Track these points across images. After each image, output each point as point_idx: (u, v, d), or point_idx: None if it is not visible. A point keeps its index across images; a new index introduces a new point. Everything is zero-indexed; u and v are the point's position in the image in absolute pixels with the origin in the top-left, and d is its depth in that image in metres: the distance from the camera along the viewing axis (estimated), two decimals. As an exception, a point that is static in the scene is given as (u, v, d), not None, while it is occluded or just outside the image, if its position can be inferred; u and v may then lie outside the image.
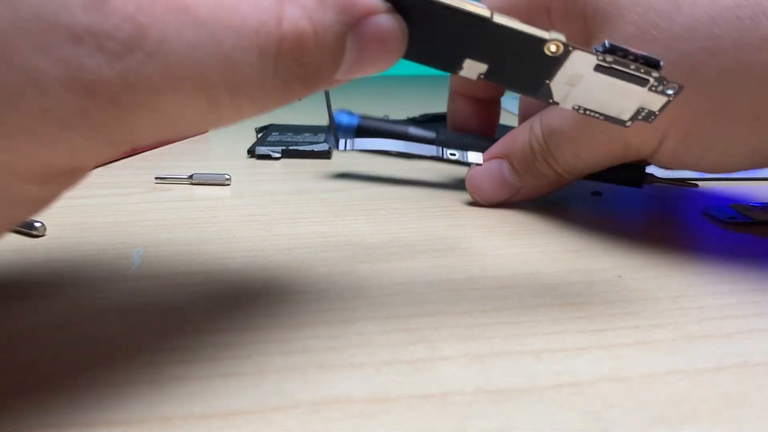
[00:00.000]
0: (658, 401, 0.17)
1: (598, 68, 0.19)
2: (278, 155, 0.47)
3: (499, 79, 0.20)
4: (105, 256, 0.27)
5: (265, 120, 0.61)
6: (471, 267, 0.26)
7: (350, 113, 0.41)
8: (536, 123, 0.32)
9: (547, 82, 0.20)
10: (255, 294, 0.23)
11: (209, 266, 0.26)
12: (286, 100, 0.16)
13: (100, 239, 0.29)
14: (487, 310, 0.22)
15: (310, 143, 0.49)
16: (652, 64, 0.19)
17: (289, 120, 0.60)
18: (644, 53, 0.19)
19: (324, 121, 0.59)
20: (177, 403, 0.17)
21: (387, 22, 0.17)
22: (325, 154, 0.47)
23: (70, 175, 0.15)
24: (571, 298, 0.24)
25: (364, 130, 0.40)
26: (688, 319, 0.22)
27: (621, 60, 0.19)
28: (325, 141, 0.50)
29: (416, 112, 0.70)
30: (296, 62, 0.16)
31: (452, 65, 0.20)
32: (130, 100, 0.14)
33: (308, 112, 0.68)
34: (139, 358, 0.19)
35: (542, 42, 0.18)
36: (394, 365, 0.19)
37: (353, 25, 0.16)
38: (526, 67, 0.19)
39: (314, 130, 0.54)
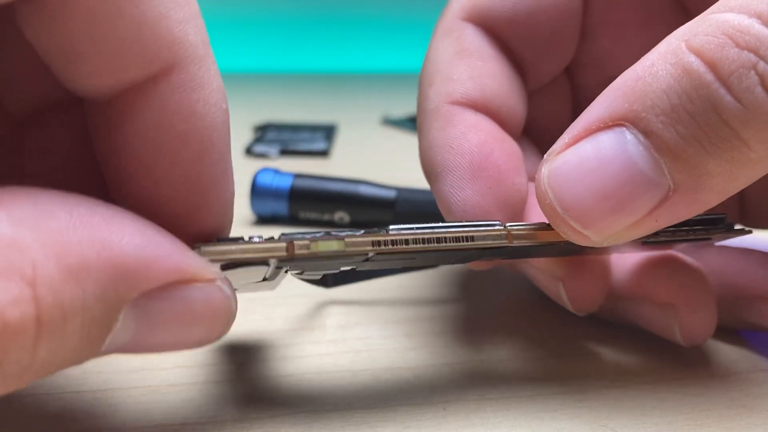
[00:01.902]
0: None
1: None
2: (276, 154, 0.46)
3: None
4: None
5: (263, 118, 0.60)
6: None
7: (277, 172, 0.32)
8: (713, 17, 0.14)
9: None
10: (251, 298, 0.23)
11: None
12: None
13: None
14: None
15: (309, 142, 0.48)
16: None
17: (289, 118, 0.60)
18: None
19: (324, 119, 0.59)
20: (172, 410, 0.17)
21: (198, 295, 0.13)
22: (323, 153, 0.47)
23: None
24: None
25: (300, 193, 0.31)
26: None
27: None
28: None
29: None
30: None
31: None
32: None
33: (308, 110, 0.67)
34: (132, 363, 0.18)
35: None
36: (394, 371, 0.19)
37: (136, 298, 0.12)
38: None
39: (313, 128, 0.54)
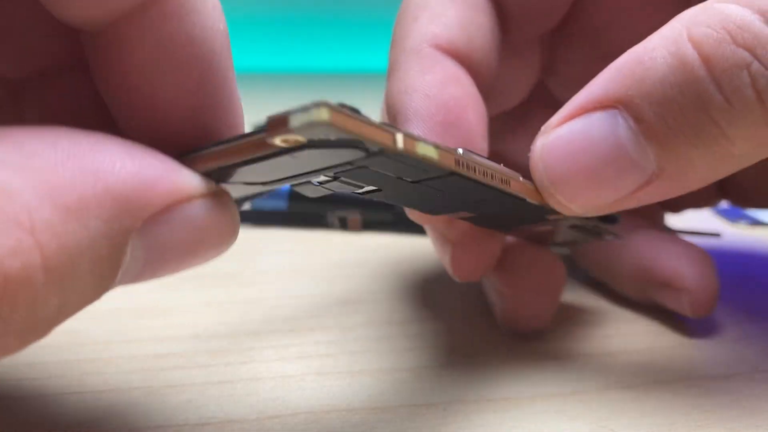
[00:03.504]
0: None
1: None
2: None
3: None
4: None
5: (263, 118, 0.60)
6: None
7: None
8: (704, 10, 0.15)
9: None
10: (250, 298, 0.23)
11: (203, 267, 0.25)
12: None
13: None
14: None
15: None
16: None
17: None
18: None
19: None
20: (171, 412, 0.16)
21: (200, 212, 0.12)
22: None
23: None
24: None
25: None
26: None
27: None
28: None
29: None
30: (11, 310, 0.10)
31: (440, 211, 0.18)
32: None
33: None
34: (132, 364, 0.18)
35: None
36: (395, 373, 0.18)
37: (140, 227, 0.12)
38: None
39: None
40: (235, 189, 0.14)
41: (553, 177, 0.16)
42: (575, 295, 0.24)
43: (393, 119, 0.18)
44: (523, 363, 0.19)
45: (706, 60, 0.14)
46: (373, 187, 0.15)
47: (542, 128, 0.16)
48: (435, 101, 0.17)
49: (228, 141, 0.12)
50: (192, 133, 0.14)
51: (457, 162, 0.14)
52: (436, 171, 0.14)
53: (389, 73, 0.19)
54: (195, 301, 0.23)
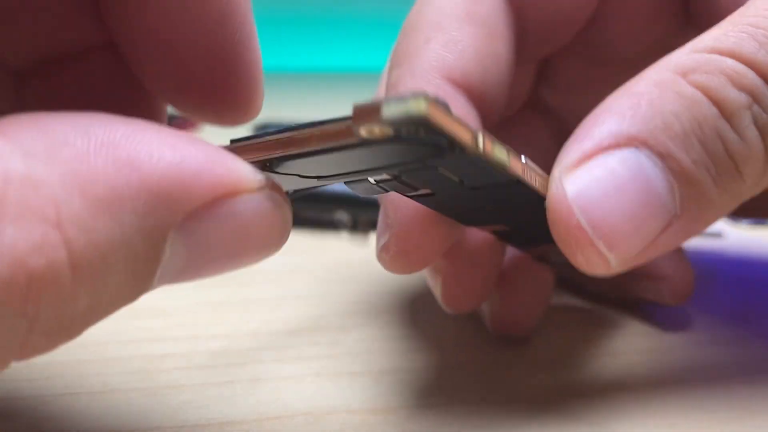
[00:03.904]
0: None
1: None
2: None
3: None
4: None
5: (263, 118, 0.60)
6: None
7: None
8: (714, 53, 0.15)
9: None
10: (250, 298, 0.23)
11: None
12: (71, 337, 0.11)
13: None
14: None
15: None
16: None
17: (289, 118, 0.60)
18: None
19: (322, 118, 0.58)
20: (170, 412, 0.16)
21: (248, 209, 0.11)
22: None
23: None
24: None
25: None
26: None
27: None
28: None
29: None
30: (49, 307, 0.10)
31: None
32: None
33: (308, 110, 0.67)
34: (131, 365, 0.18)
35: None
36: (395, 374, 0.18)
37: (181, 223, 0.11)
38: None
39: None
40: (285, 181, 0.13)
41: (595, 221, 0.14)
42: (575, 296, 0.24)
43: None
44: (523, 364, 0.19)
45: (716, 102, 0.14)
46: (428, 191, 0.14)
47: (555, 172, 0.15)
48: None
49: (293, 128, 0.11)
50: (213, 76, 0.14)
51: (523, 170, 0.13)
52: (504, 177, 0.13)
53: (387, 87, 0.18)
54: (195, 302, 0.23)
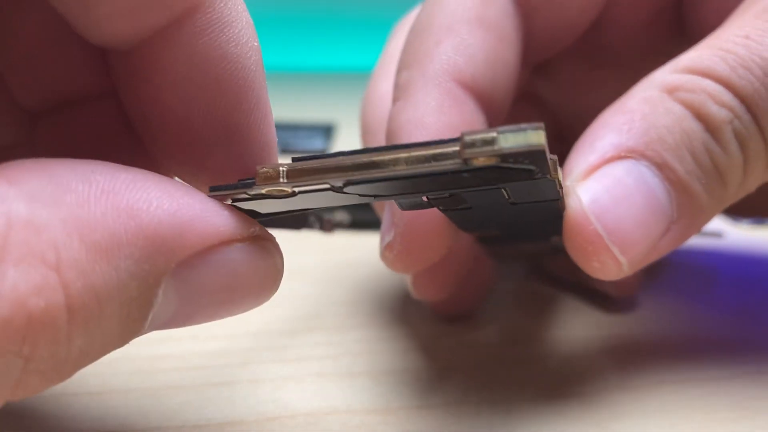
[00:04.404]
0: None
1: None
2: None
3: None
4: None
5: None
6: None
7: None
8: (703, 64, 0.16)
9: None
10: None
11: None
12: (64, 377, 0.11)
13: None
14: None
15: (307, 141, 0.48)
16: None
17: (288, 117, 0.60)
18: None
19: (323, 118, 0.58)
20: (170, 413, 0.16)
21: (239, 257, 0.12)
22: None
23: None
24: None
25: None
26: None
27: None
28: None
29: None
30: (45, 352, 0.10)
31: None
32: None
33: (307, 109, 0.67)
34: (131, 366, 0.18)
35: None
36: (395, 374, 0.18)
37: (174, 270, 0.11)
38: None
39: (312, 127, 0.54)
40: (313, 200, 0.13)
41: (609, 226, 0.15)
42: (575, 296, 0.24)
43: (387, 137, 0.17)
44: (523, 365, 0.19)
45: (701, 117, 0.16)
46: (467, 206, 0.14)
47: (567, 183, 0.16)
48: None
49: (373, 150, 0.11)
50: (224, 154, 0.13)
51: (560, 185, 0.13)
52: (555, 195, 0.13)
53: (399, 95, 0.18)
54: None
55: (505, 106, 0.19)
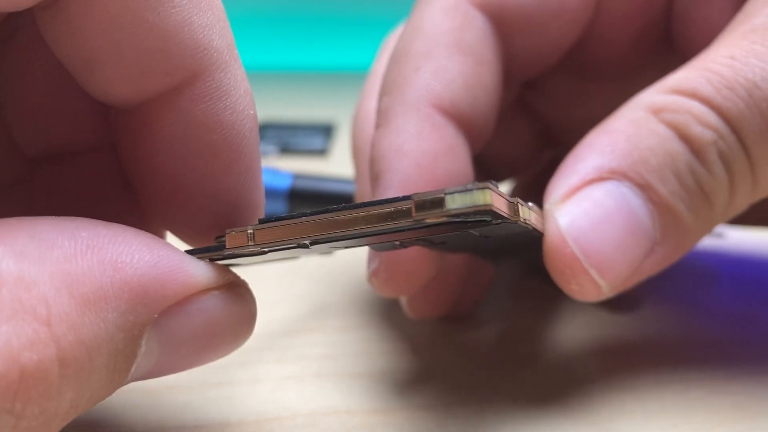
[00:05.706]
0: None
1: None
2: (275, 153, 0.47)
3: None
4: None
5: (262, 117, 0.60)
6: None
7: (276, 172, 0.31)
8: (690, 86, 0.16)
9: None
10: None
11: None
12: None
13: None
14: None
15: (307, 141, 0.48)
16: None
17: (288, 117, 0.60)
18: None
19: (323, 118, 0.58)
20: (169, 413, 0.16)
21: (215, 304, 0.12)
22: (322, 152, 0.47)
23: None
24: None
25: (300, 194, 0.31)
26: None
27: None
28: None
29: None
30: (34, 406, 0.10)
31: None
32: None
33: (307, 109, 0.67)
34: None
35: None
36: (395, 374, 0.18)
37: (155, 320, 0.11)
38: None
39: (311, 127, 0.54)
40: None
41: (587, 249, 0.15)
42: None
43: (375, 176, 0.17)
44: (523, 366, 0.19)
45: (685, 138, 0.16)
46: (442, 241, 0.15)
47: (546, 206, 0.16)
48: (425, 175, 0.17)
49: (331, 211, 0.12)
50: (213, 213, 0.14)
51: (534, 219, 0.14)
52: (522, 229, 0.14)
53: (381, 121, 0.18)
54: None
55: (487, 128, 0.19)
